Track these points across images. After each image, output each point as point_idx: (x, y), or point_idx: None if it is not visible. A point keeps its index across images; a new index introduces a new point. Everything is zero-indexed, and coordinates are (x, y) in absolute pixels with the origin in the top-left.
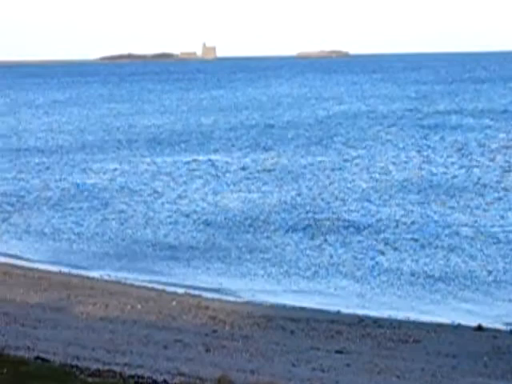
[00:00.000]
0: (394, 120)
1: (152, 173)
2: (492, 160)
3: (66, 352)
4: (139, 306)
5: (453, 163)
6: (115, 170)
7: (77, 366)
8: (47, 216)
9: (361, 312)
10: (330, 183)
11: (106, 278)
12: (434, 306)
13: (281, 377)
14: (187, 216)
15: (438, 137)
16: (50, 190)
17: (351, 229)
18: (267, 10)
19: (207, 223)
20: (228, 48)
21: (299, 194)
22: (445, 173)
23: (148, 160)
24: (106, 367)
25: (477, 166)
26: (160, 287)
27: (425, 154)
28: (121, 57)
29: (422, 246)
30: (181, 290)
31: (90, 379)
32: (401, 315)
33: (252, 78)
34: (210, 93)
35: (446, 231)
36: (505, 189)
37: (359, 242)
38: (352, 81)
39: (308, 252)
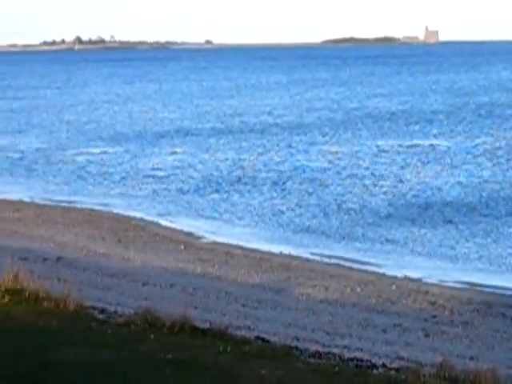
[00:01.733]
0: None
1: (372, 155)
2: None
3: (286, 333)
4: (358, 289)
5: None
6: (336, 152)
7: (296, 347)
8: (267, 196)
9: None
10: None
11: (325, 260)
12: None
13: (501, 364)
14: (405, 200)
15: None
16: (271, 171)
17: None
18: None
19: (425, 207)
20: (451, 32)
21: None
22: None
23: (369, 143)
24: (326, 349)
25: None
26: (380, 271)
27: None
28: (343, 40)
29: None
30: (400, 274)
31: (311, 360)
32: None
33: (475, 62)
34: (437, 76)
35: None
36: None
37: None
38: None
39: None
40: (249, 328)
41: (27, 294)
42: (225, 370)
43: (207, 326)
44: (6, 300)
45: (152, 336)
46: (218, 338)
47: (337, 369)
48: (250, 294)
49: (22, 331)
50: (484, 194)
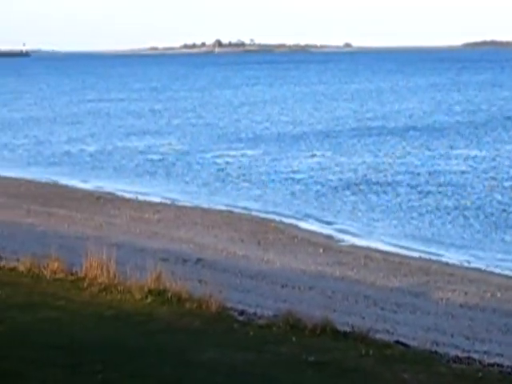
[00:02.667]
0: None
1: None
2: None
3: (425, 337)
4: (499, 294)
5: None
6: (475, 156)
7: (436, 352)
8: (404, 199)
9: None
10: None
11: (465, 264)
12: None
13: None
14: None
15: None
16: (409, 173)
17: None
18: None
19: None
20: None
21: None
22: None
23: (509, 147)
24: (465, 354)
25: None
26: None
27: None
28: (484, 43)
29: None
30: None
31: (453, 365)
32: None
33: None
34: None
35: None
36: None
37: None
38: None
39: None
40: (388, 332)
41: (170, 295)
42: (367, 373)
43: (348, 329)
44: (149, 300)
45: (293, 338)
46: (360, 341)
47: (480, 374)
48: (389, 297)
49: (164, 331)
50: None
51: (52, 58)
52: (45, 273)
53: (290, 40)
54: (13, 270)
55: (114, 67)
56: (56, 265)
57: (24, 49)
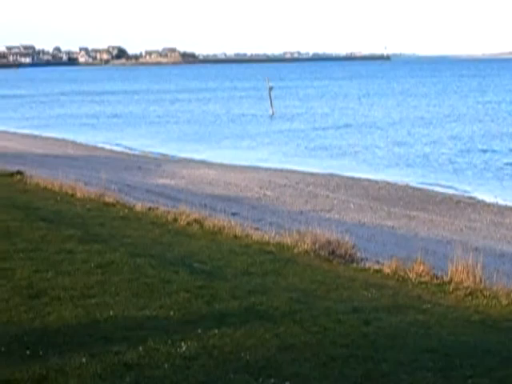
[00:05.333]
0: None
1: None
2: None
3: None
4: None
5: None
6: None
7: None
8: None
9: None
10: None
11: None
12: None
13: None
14: None
15: None
16: None
17: None
18: None
19: None
20: None
21: None
22: None
23: None
24: None
25: None
26: None
27: None
28: None
29: None
30: None
31: None
32: None
33: None
34: None
35: None
36: None
37: None
38: None
39: None
40: None
41: None
42: None
43: None
44: None
45: None
46: None
47: None
48: None
49: None
50: None
51: (412, 62)
52: (410, 275)
53: None
54: (378, 271)
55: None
56: (421, 268)
57: (385, 52)
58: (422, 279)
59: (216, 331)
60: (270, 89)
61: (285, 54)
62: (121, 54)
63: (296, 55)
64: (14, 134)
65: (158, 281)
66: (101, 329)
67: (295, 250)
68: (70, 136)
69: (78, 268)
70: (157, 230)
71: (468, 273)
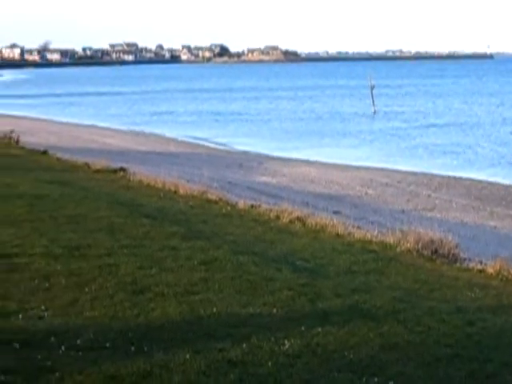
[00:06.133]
0: None
1: None
2: None
3: None
4: None
5: None
6: None
7: None
8: None
9: None
10: None
11: None
12: None
13: None
14: None
15: None
16: None
17: None
18: None
19: None
20: None
21: None
22: None
23: None
24: None
25: None
26: None
27: None
28: None
29: None
30: None
31: None
32: None
33: None
34: None
35: None
36: None
37: None
38: None
39: None
40: None
41: None
42: None
43: None
44: None
45: None
46: None
47: None
48: None
49: None
50: None
51: None
52: None
53: None
54: (481, 271)
55: None
56: None
57: (488, 51)
58: None
59: (319, 329)
60: (372, 87)
61: (387, 52)
62: (223, 51)
63: (398, 54)
64: (117, 130)
65: (261, 278)
66: (204, 325)
67: (398, 249)
68: (171, 133)
69: (181, 265)
70: (259, 227)
71: None
